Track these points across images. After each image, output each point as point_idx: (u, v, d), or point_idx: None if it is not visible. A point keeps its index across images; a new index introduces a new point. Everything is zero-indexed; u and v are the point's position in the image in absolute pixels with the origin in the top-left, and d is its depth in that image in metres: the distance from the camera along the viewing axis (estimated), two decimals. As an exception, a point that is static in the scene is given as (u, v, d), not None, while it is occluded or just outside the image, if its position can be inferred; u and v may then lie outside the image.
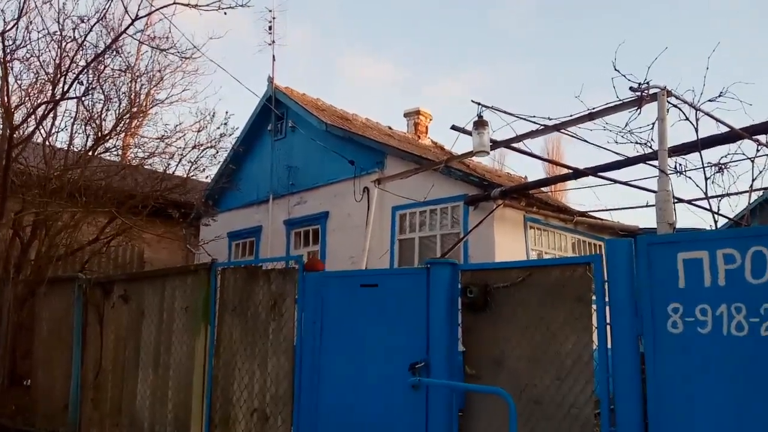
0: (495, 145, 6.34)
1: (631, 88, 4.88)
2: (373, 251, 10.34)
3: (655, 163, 5.49)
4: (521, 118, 5.60)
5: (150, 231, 9.49)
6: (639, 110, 5.04)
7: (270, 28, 13.14)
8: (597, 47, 43.70)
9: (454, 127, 6.18)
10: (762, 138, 5.72)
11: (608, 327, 3.64)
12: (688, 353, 3.32)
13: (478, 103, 5.64)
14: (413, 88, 46.69)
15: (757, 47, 38.67)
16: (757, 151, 5.84)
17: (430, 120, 15.99)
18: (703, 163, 5.11)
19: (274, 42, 13.08)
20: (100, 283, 7.17)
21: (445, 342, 4.35)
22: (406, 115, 15.97)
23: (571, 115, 5.35)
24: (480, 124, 5.74)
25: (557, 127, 5.64)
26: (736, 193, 5.36)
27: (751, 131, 5.22)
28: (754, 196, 6.03)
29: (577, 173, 7.15)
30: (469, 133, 6.07)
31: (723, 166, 5.93)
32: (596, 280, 3.73)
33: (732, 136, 5.32)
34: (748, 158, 5.79)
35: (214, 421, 5.55)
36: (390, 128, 15.10)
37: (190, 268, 6.24)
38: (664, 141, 4.82)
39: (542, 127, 5.71)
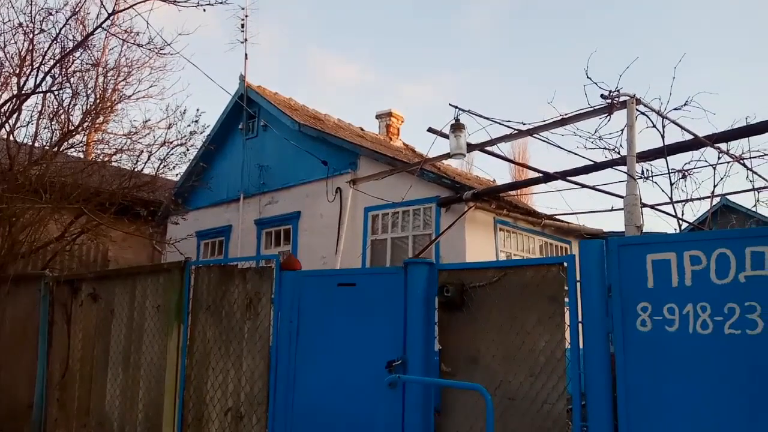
0: (469, 148, 6.45)
1: (602, 96, 5.06)
2: (345, 251, 10.38)
3: (623, 168, 5.69)
4: (496, 122, 5.73)
5: (119, 228, 9.32)
6: (609, 117, 5.22)
7: (242, 26, 13.07)
8: (563, 53, 44.57)
9: (430, 130, 6.28)
10: (723, 146, 5.98)
11: (580, 325, 3.76)
12: (656, 350, 3.46)
13: (456, 107, 5.76)
14: (381, 90, 46.85)
15: (722, 58, 40.04)
16: (719, 158, 6.10)
17: (402, 122, 16.11)
18: (668, 169, 5.33)
19: (246, 40, 12.99)
20: (68, 281, 7.03)
21: (422, 340, 4.42)
22: (378, 116, 16.05)
23: (544, 121, 5.53)
24: (457, 127, 5.85)
25: (530, 132, 5.78)
26: (699, 198, 5.61)
27: (713, 139, 5.46)
28: (716, 201, 6.27)
29: (547, 177, 7.33)
30: (446, 136, 6.17)
31: (686, 173, 6.17)
32: (569, 279, 3.85)
33: (695, 143, 5.54)
34: (710, 165, 6.04)
35: (186, 420, 5.51)
36: (362, 129, 15.15)
37: (163, 266, 6.17)
38: (632, 147, 5.01)
39: (516, 131, 5.86)
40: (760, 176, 6.86)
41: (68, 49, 6.57)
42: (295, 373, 4.98)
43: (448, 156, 6.74)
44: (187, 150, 11.03)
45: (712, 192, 5.67)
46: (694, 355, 3.34)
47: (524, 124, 5.61)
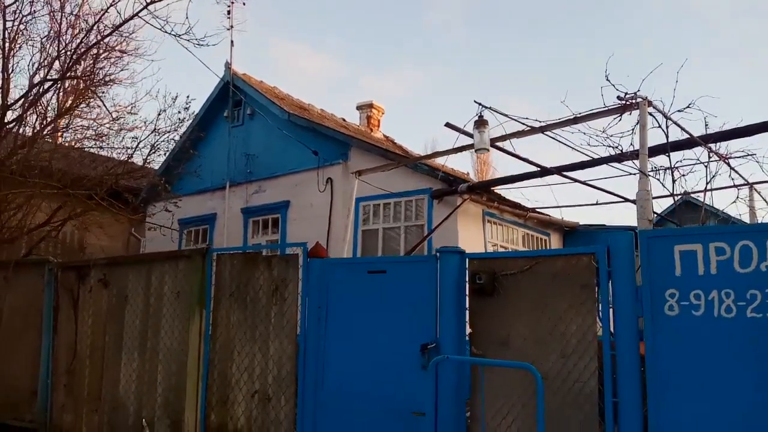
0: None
1: (618, 97, 5.41)
2: (336, 241, 10.54)
3: (627, 164, 6.09)
4: (514, 119, 6.04)
5: (124, 214, 9.21)
6: (620, 117, 5.59)
7: (228, 12, 12.98)
8: (529, 46, 45.52)
9: (448, 125, 6.52)
10: (714, 146, 6.43)
11: (611, 310, 4.09)
12: (683, 332, 3.81)
13: (479, 104, 6.02)
14: (347, 81, 46.80)
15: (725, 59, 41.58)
16: (709, 157, 6.56)
17: (383, 113, 16.30)
18: (671, 166, 5.74)
19: (232, 27, 12.92)
20: (75, 267, 6.99)
21: (455, 325, 4.68)
22: (358, 107, 16.19)
23: (559, 119, 5.84)
24: (481, 123, 6.12)
25: (542, 129, 6.10)
26: (695, 192, 6.04)
27: (710, 139, 5.89)
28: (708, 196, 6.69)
29: (543, 171, 7.69)
30: (466, 133, 6.43)
31: (675, 169, 6.61)
32: (600, 268, 4.17)
33: (693, 142, 5.97)
34: (701, 162, 6.50)
35: (210, 403, 5.63)
36: (344, 120, 15.28)
37: (183, 253, 6.26)
38: (644, 146, 5.38)
39: (529, 128, 6.17)
40: (740, 175, 7.39)
41: (103, 35, 6.49)
42: (325, 356, 5.17)
43: (462, 149, 7.02)
44: (179, 137, 10.98)
45: (705, 187, 6.12)
46: (718, 336, 3.70)
47: (539, 122, 5.93)
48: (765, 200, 8.47)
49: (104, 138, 10.50)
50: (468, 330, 4.74)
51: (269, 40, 47.29)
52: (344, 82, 47.21)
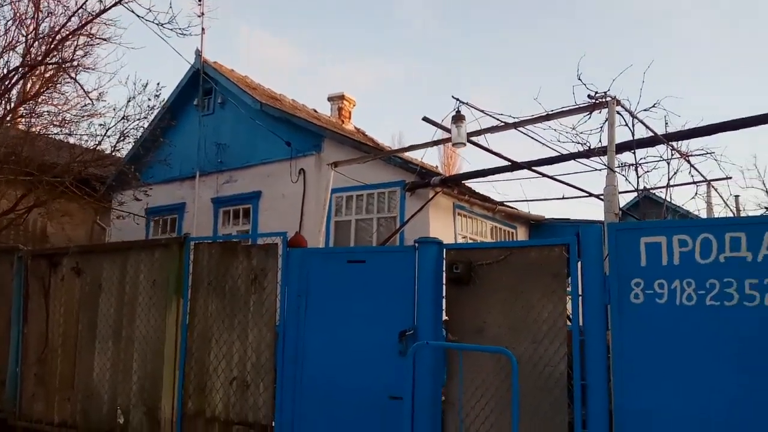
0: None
1: (589, 96, 5.65)
2: (309, 231, 10.60)
3: (596, 160, 6.36)
4: (489, 114, 6.23)
5: (106, 204, 9.08)
6: (590, 115, 5.83)
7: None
8: (491, 41, 46.05)
9: (425, 119, 6.67)
10: (677, 144, 6.76)
11: (580, 298, 4.31)
12: (647, 319, 4.05)
13: (457, 99, 6.19)
14: (312, 72, 46.55)
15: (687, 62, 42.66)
16: (671, 154, 6.89)
17: (354, 105, 16.35)
18: (636, 163, 6.02)
19: (203, 14, 12.77)
20: (46, 255, 6.90)
21: (432, 313, 4.84)
22: (330, 99, 16.20)
23: (532, 115, 6.06)
24: (458, 118, 6.28)
25: (516, 125, 6.31)
26: (657, 188, 6.37)
27: (674, 137, 6.20)
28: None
29: (514, 166, 7.93)
30: (443, 127, 6.59)
31: (639, 166, 6.92)
32: (571, 258, 4.38)
33: (658, 140, 6.27)
34: (664, 159, 6.81)
35: (188, 390, 5.67)
36: (315, 111, 15.28)
37: (159, 241, 6.25)
38: (612, 143, 5.63)
39: (503, 123, 6.36)
40: (699, 172, 7.76)
41: (84, 21, 6.37)
42: (304, 344, 5.26)
43: (437, 142, 7.18)
44: (148, 124, 10.86)
45: (667, 184, 6.44)
46: (679, 322, 3.95)
47: (513, 117, 6.13)
48: (722, 197, 8.91)
49: (71, 124, 10.33)
50: (444, 318, 4.91)
51: (239, 28, 46.61)
52: (306, 72, 46.94)
